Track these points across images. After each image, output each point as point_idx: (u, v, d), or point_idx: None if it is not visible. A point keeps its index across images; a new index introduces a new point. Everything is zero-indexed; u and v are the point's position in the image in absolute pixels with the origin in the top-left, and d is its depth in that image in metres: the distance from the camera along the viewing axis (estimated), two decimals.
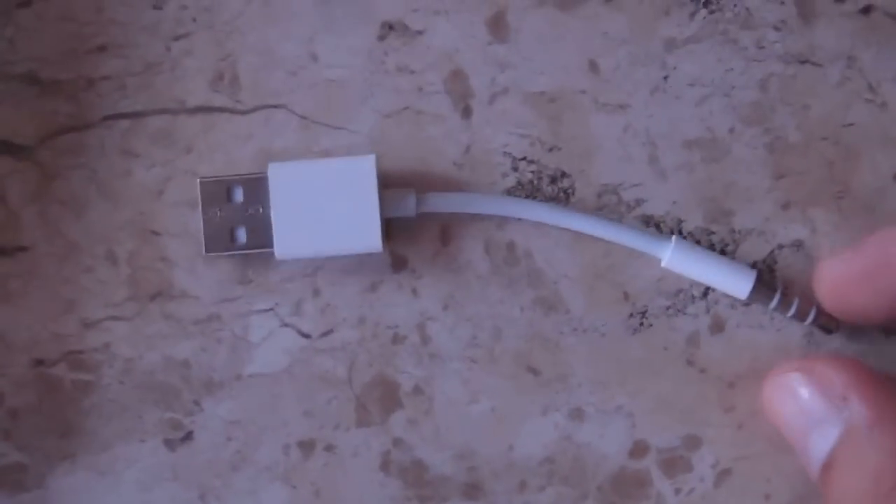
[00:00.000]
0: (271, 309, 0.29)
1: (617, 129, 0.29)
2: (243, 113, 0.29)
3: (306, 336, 0.29)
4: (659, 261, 0.29)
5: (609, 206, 0.29)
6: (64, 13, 0.29)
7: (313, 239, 0.27)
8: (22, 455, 0.28)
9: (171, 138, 0.29)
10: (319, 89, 0.29)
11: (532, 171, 0.29)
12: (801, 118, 0.29)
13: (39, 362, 0.28)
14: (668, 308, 0.29)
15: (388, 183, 0.28)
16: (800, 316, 0.28)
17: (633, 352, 0.29)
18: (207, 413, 0.29)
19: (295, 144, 0.29)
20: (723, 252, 0.29)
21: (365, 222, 0.27)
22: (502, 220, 0.29)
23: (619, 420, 0.29)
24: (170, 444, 0.29)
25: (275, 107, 0.29)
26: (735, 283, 0.28)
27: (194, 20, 0.29)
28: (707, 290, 0.29)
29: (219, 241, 0.28)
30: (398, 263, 0.29)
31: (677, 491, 0.29)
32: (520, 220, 0.29)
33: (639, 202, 0.29)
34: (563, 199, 0.29)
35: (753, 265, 0.29)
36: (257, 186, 0.28)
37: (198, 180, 0.28)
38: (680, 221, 0.29)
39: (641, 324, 0.29)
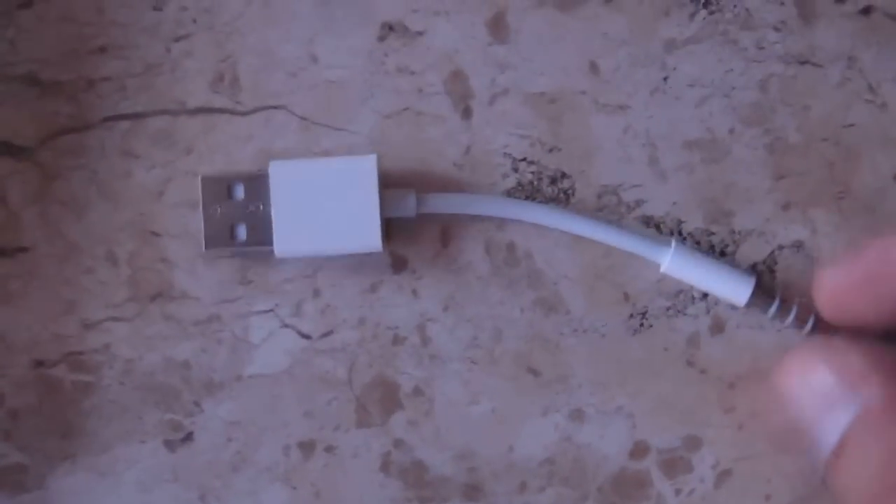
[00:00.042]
0: (271, 310, 0.29)
1: (617, 129, 0.29)
2: (243, 114, 0.29)
3: (306, 337, 0.29)
4: (657, 264, 0.29)
5: (609, 207, 0.29)
6: (64, 14, 0.29)
7: (313, 238, 0.27)
8: (22, 456, 0.28)
9: (171, 139, 0.29)
10: (319, 90, 0.29)
11: (532, 172, 0.29)
12: (801, 119, 0.29)
13: (40, 363, 0.29)
14: (668, 309, 0.29)
15: (388, 183, 0.28)
16: (798, 323, 0.28)
17: (633, 352, 0.29)
18: (208, 414, 0.29)
19: (295, 145, 0.29)
20: (723, 253, 0.29)
21: (365, 222, 0.27)
22: (502, 221, 0.29)
23: (619, 421, 0.29)
24: (170, 444, 0.29)
25: (275, 108, 0.29)
26: (734, 289, 0.28)
27: (194, 21, 0.29)
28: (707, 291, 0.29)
29: (219, 237, 0.28)
30: (398, 264, 0.29)
31: (678, 492, 0.29)
32: (520, 220, 0.29)
33: (639, 203, 0.29)
34: (563, 199, 0.29)
35: (754, 266, 0.29)
36: (258, 184, 0.28)
37: (199, 177, 0.28)
38: (680, 222, 0.29)
39: (642, 324, 0.29)
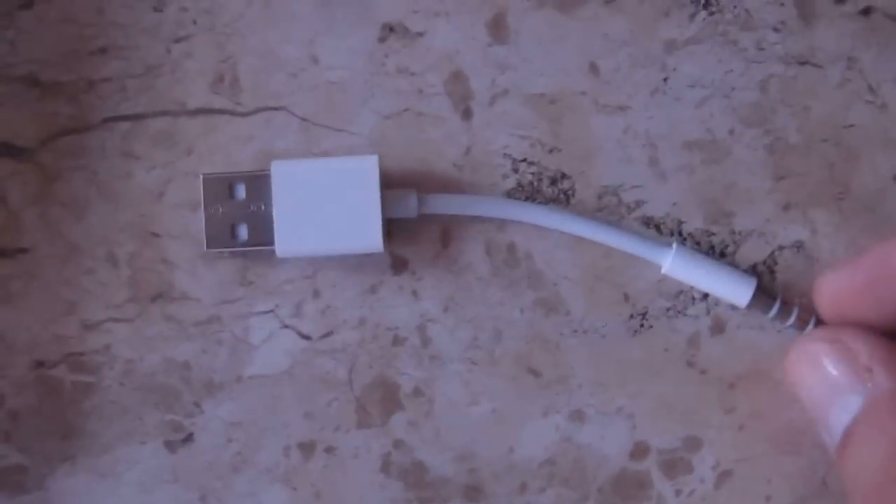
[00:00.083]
0: (272, 311, 0.29)
1: (617, 130, 0.29)
2: (244, 115, 0.29)
3: (307, 338, 0.29)
4: (658, 265, 0.29)
5: (609, 208, 0.29)
6: (65, 15, 0.29)
7: (314, 238, 0.27)
8: (22, 457, 0.28)
9: (171, 140, 0.29)
10: (320, 91, 0.29)
11: (532, 173, 0.29)
12: (801, 119, 0.29)
13: (40, 364, 0.29)
14: (668, 309, 0.29)
15: (388, 184, 0.28)
16: (799, 325, 0.28)
17: (633, 353, 0.29)
18: (208, 415, 0.29)
19: (295, 146, 0.29)
20: (723, 253, 0.29)
21: (366, 222, 0.27)
22: (503, 222, 0.29)
23: (619, 421, 0.29)
24: (170, 445, 0.29)
25: (275, 109, 0.29)
26: (735, 290, 0.28)
27: (195, 22, 0.29)
28: (707, 292, 0.29)
29: (220, 237, 0.28)
30: (398, 265, 0.29)
31: (678, 492, 0.29)
32: (520, 221, 0.29)
33: (639, 203, 0.29)
34: (563, 200, 0.29)
35: (754, 267, 0.29)
36: (260, 184, 0.28)
37: (200, 176, 0.28)
38: (680, 223, 0.29)
39: (642, 325, 0.29)
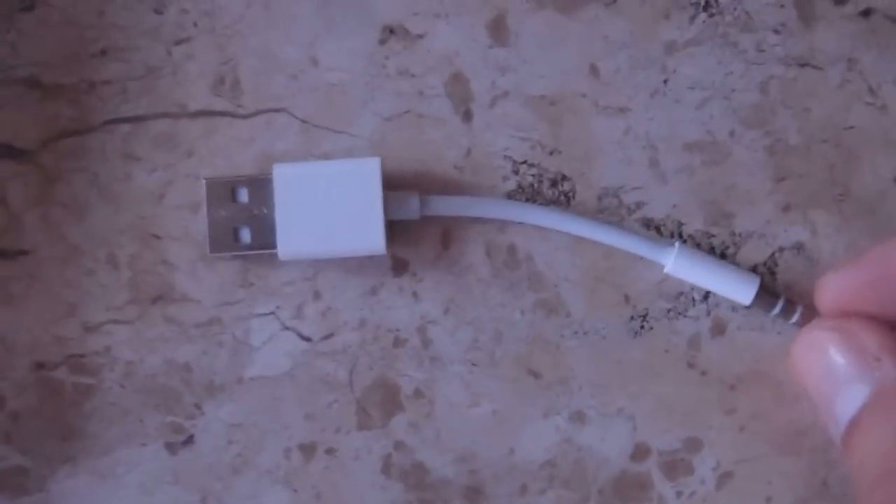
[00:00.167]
0: (272, 312, 0.29)
1: (617, 132, 0.29)
2: (244, 117, 0.29)
3: (307, 339, 0.29)
4: (660, 264, 0.29)
5: (609, 209, 0.29)
6: (66, 17, 0.29)
7: (317, 240, 0.27)
8: (23, 458, 0.28)
9: (172, 142, 0.29)
10: (320, 93, 0.29)
11: (532, 175, 0.29)
12: (801, 121, 0.29)
13: (41, 365, 0.29)
14: (668, 311, 0.29)
15: (388, 186, 0.28)
16: (802, 323, 0.28)
17: (633, 354, 0.29)
18: (208, 416, 0.29)
19: (296, 148, 0.29)
20: (723, 255, 0.29)
21: (369, 224, 0.27)
22: (503, 223, 0.29)
23: (620, 423, 0.29)
24: (171, 447, 0.29)
25: (276, 111, 0.29)
26: (738, 289, 0.28)
27: (195, 24, 0.29)
28: (708, 293, 0.29)
29: (223, 241, 0.28)
30: (399, 267, 0.29)
31: (678, 494, 0.29)
32: (521, 223, 0.29)
33: (639, 205, 0.29)
34: (563, 202, 0.29)
35: (754, 268, 0.29)
36: (262, 187, 0.28)
37: (203, 180, 0.28)
38: (680, 224, 0.29)
39: (642, 326, 0.29)
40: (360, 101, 0.29)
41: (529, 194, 0.29)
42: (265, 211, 0.28)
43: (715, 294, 0.29)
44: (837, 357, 0.26)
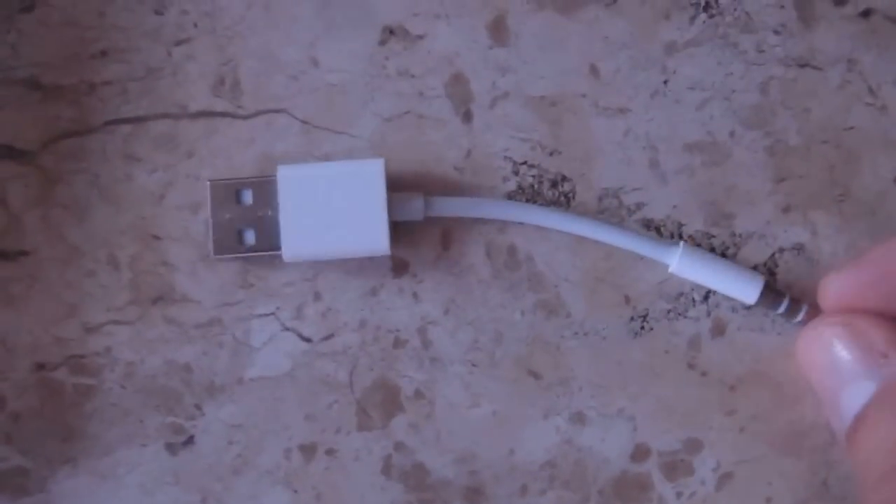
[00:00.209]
0: (272, 313, 0.29)
1: (617, 132, 0.29)
2: (245, 118, 0.29)
3: (307, 340, 0.29)
4: (661, 264, 0.29)
5: (610, 210, 0.29)
6: (66, 18, 0.29)
7: (321, 242, 0.27)
8: (24, 459, 0.28)
9: (172, 143, 0.29)
10: (320, 94, 0.29)
11: (533, 176, 0.29)
12: (801, 121, 0.29)
13: (41, 366, 0.29)
14: (669, 311, 0.29)
15: (388, 187, 0.28)
16: (807, 322, 0.28)
17: (634, 355, 0.29)
18: (209, 417, 0.29)
19: (296, 149, 0.29)
20: (723, 256, 0.29)
21: (373, 225, 0.27)
22: (503, 224, 0.29)
23: (620, 424, 0.29)
24: (171, 448, 0.29)
25: (276, 111, 0.29)
26: (743, 288, 0.28)
27: (195, 25, 0.29)
28: (708, 294, 0.29)
29: (227, 243, 0.28)
30: (399, 267, 0.29)
31: (679, 495, 0.29)
32: (521, 223, 0.29)
33: (639, 206, 0.29)
34: (563, 203, 0.29)
35: (754, 269, 0.29)
36: (266, 189, 0.28)
37: (207, 182, 0.28)
38: (680, 225, 0.29)
39: (643, 327, 0.29)
40: (361, 102, 0.29)
41: (529, 195, 0.29)
42: (269, 213, 0.28)
43: (715, 295, 0.29)
44: (843, 352, 0.26)
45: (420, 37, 0.29)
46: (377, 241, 0.27)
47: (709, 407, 0.29)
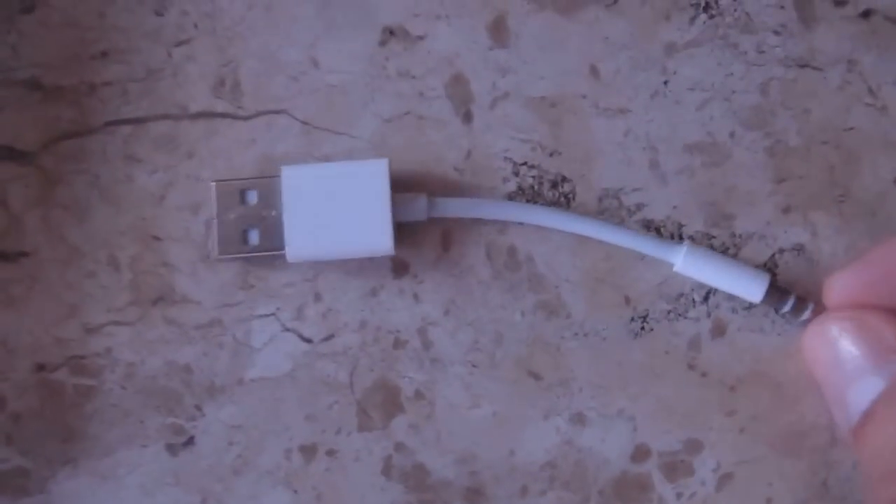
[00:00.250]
0: (273, 314, 0.29)
1: (617, 133, 0.29)
2: (245, 118, 0.29)
3: (308, 341, 0.29)
4: (661, 265, 0.29)
5: (610, 211, 0.29)
6: (66, 19, 0.29)
7: (325, 242, 0.27)
8: (24, 460, 0.28)
9: (173, 144, 0.29)
10: (321, 94, 0.29)
11: (533, 176, 0.29)
12: (801, 122, 0.29)
13: (42, 367, 0.29)
14: (669, 312, 0.29)
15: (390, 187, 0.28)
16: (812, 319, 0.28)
17: (634, 356, 0.29)
18: (209, 418, 0.29)
19: (296, 150, 0.29)
20: None
21: (377, 225, 0.27)
22: (503, 225, 0.29)
23: (620, 424, 0.29)
24: (172, 448, 0.29)
25: (276, 112, 0.29)
26: (748, 286, 0.28)
27: (196, 26, 0.29)
28: (708, 294, 0.29)
29: (232, 243, 0.28)
30: (399, 268, 0.29)
31: (679, 495, 0.29)
32: (521, 224, 0.29)
33: (639, 207, 0.29)
34: (563, 203, 0.29)
35: None
36: (270, 189, 0.28)
37: (212, 183, 0.28)
38: (681, 226, 0.29)
39: (643, 328, 0.29)
40: (361, 103, 0.29)
41: (530, 196, 0.29)
42: (274, 213, 0.28)
43: (715, 295, 0.29)
44: (851, 347, 0.26)
45: (420, 37, 0.29)
46: (381, 241, 0.27)
47: (709, 407, 0.29)
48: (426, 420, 0.29)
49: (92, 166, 0.29)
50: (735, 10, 0.29)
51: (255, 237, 0.28)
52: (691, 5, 0.29)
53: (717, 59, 0.29)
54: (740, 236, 0.29)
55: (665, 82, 0.29)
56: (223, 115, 0.29)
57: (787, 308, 0.28)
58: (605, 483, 0.29)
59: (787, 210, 0.29)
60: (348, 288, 0.29)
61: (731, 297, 0.29)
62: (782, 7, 0.29)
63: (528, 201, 0.29)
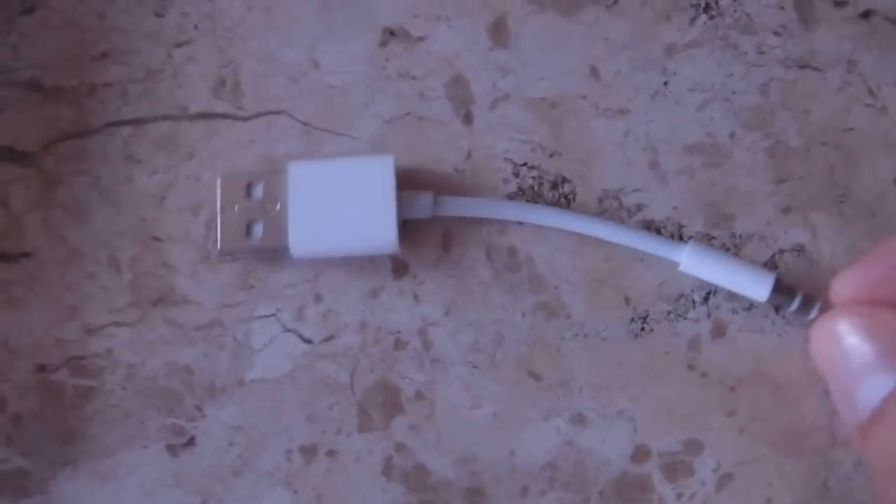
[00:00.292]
0: (273, 314, 0.29)
1: (618, 134, 0.29)
2: (245, 119, 0.29)
3: (308, 341, 0.29)
4: (661, 265, 0.29)
5: (610, 211, 0.29)
6: (67, 20, 0.29)
7: (329, 238, 0.27)
8: (25, 461, 0.28)
9: (173, 144, 0.29)
10: (321, 95, 0.29)
11: (533, 177, 0.29)
12: (801, 123, 0.29)
13: (42, 368, 0.29)
14: (669, 313, 0.29)
15: None
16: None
17: (634, 356, 0.29)
18: (210, 418, 0.29)
19: (297, 150, 0.29)
20: None
21: (381, 222, 0.27)
22: (504, 226, 0.29)
23: (620, 425, 0.29)
24: (172, 449, 0.29)
25: (276, 113, 0.29)
26: (753, 285, 0.28)
27: (196, 27, 0.29)
28: (708, 295, 0.29)
29: (234, 237, 0.28)
30: (400, 269, 0.29)
31: (679, 496, 0.29)
32: (521, 225, 0.29)
33: (640, 207, 0.29)
34: (563, 204, 0.29)
35: None
36: (275, 184, 0.28)
37: (218, 178, 0.28)
38: (681, 226, 0.29)
39: (643, 328, 0.29)
40: (361, 104, 0.29)
41: (530, 196, 0.29)
42: (278, 208, 0.28)
43: (715, 296, 0.29)
44: (862, 344, 0.25)
45: (420, 38, 0.29)
46: (385, 238, 0.27)
47: (709, 408, 0.29)
48: (426, 420, 0.29)
49: (92, 167, 0.29)
50: (735, 11, 0.29)
51: (258, 232, 0.28)
52: (691, 6, 0.29)
53: (718, 60, 0.29)
54: (740, 237, 0.29)
55: (665, 83, 0.29)
56: (223, 116, 0.29)
57: (794, 307, 0.28)
58: (606, 483, 0.29)
59: (787, 210, 0.29)
60: (349, 289, 0.29)
61: (731, 298, 0.29)
62: (782, 8, 0.29)
63: (528, 202, 0.29)
